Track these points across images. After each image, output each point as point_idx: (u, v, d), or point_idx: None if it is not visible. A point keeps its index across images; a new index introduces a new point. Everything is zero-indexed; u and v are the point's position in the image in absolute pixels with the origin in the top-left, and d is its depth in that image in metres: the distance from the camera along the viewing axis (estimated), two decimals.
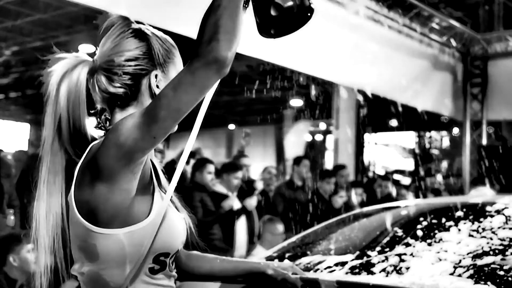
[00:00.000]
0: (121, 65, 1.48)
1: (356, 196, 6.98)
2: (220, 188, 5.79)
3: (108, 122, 1.54)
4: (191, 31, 1.38)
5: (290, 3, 1.36)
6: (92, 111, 1.54)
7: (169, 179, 1.49)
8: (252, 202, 5.95)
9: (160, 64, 1.52)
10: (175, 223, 1.51)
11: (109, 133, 1.38)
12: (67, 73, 1.46)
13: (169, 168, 1.58)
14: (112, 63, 1.49)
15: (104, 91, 1.50)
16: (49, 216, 1.46)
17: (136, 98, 1.50)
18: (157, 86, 1.50)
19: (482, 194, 4.90)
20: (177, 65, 1.56)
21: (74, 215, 1.42)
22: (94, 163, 1.38)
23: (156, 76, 1.50)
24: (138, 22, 1.59)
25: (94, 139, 1.50)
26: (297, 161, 7.04)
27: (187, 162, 6.11)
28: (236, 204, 5.74)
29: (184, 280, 1.67)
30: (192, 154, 6.58)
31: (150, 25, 1.59)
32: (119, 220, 1.39)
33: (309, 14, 1.39)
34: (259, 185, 6.60)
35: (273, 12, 1.38)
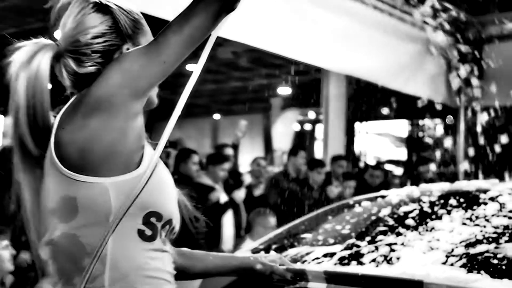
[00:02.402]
0: (89, 44, 1.44)
1: (347, 188, 6.99)
2: (205, 179, 5.79)
3: None
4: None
5: None
6: (61, 98, 1.50)
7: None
8: (240, 194, 5.96)
9: (129, 37, 1.49)
10: (169, 184, 1.47)
11: (110, 65, 1.36)
12: (25, 62, 1.40)
13: None
14: (78, 44, 1.44)
15: (73, 75, 1.46)
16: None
17: None
18: None
19: None
20: (147, 35, 1.53)
21: (51, 170, 1.35)
22: (89, 97, 1.32)
23: (127, 50, 1.47)
24: None
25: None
26: (294, 151, 7.01)
27: (167, 156, 6.07)
28: (223, 197, 5.73)
29: (178, 279, 1.64)
30: (173, 145, 6.53)
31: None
32: (107, 167, 1.33)
33: None
34: (247, 178, 6.59)
35: None
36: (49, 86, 1.42)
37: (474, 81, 9.96)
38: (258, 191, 6.63)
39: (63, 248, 1.35)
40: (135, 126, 1.36)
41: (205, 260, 1.81)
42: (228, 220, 5.78)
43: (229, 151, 6.59)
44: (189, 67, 7.47)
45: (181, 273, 1.74)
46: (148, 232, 1.39)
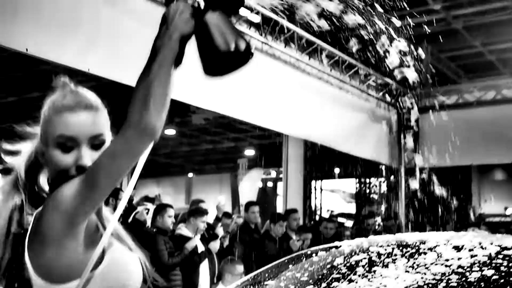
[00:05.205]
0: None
1: (305, 240, 6.96)
2: (185, 231, 5.78)
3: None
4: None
5: (227, 48, 1.33)
6: None
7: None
8: (216, 245, 5.98)
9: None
10: (128, 262, 1.43)
11: (49, 202, 1.31)
12: None
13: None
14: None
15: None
16: None
17: None
18: None
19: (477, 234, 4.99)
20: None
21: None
22: (39, 230, 1.30)
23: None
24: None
25: None
26: (246, 207, 7.07)
27: (148, 212, 6.06)
28: (200, 247, 5.70)
29: None
30: (151, 200, 6.48)
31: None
32: (76, 272, 1.31)
33: (247, 57, 1.36)
34: (220, 231, 6.61)
35: (212, 55, 1.35)
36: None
37: (412, 146, 10.18)
38: (226, 242, 6.62)
39: None
40: (81, 236, 1.32)
41: None
42: (204, 268, 5.76)
43: (203, 206, 6.59)
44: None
45: None
46: None
